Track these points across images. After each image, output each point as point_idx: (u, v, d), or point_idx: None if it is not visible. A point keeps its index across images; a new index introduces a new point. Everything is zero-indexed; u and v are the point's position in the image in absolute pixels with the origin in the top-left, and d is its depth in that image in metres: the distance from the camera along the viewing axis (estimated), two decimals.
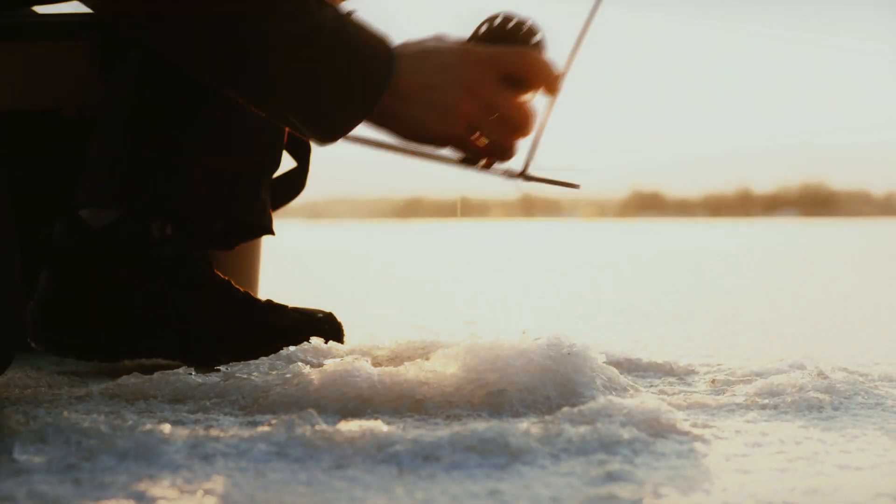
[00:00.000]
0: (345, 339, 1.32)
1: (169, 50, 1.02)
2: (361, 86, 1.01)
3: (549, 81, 1.06)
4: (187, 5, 0.97)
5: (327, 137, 1.03)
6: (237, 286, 1.27)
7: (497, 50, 1.05)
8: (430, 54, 1.04)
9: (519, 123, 1.06)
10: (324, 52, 0.99)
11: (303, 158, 1.46)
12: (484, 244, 7.99)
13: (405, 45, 1.04)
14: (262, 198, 1.28)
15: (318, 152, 1.46)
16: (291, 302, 1.32)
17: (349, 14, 1.03)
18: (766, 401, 1.04)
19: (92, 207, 1.22)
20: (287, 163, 1.42)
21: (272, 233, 1.32)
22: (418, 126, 1.04)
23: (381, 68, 1.01)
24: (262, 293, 1.53)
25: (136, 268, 1.21)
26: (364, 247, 7.21)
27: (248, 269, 1.49)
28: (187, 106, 1.23)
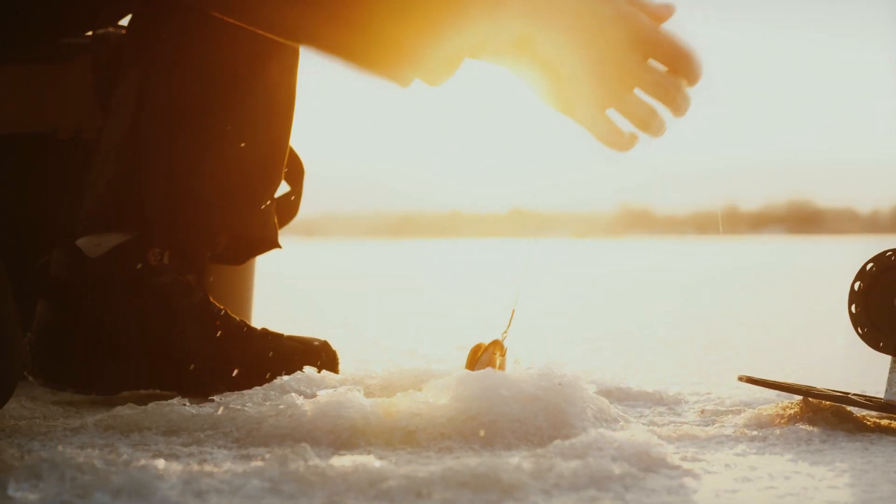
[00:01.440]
0: (339, 367, 1.33)
1: None
2: None
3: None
4: None
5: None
6: (233, 315, 1.28)
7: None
8: None
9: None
10: None
11: (296, 183, 1.47)
12: (474, 262, 8.00)
13: None
14: (264, 211, 1.29)
15: (310, 174, 1.47)
16: (286, 325, 1.33)
17: None
18: (755, 433, 1.05)
19: (89, 236, 1.23)
20: (281, 187, 1.43)
21: (278, 246, 1.33)
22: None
23: None
24: (256, 313, 1.54)
25: (134, 298, 1.22)
26: (357, 266, 7.21)
27: (242, 294, 1.50)
28: (186, 123, 1.24)
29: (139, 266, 1.22)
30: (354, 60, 0.97)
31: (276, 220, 1.33)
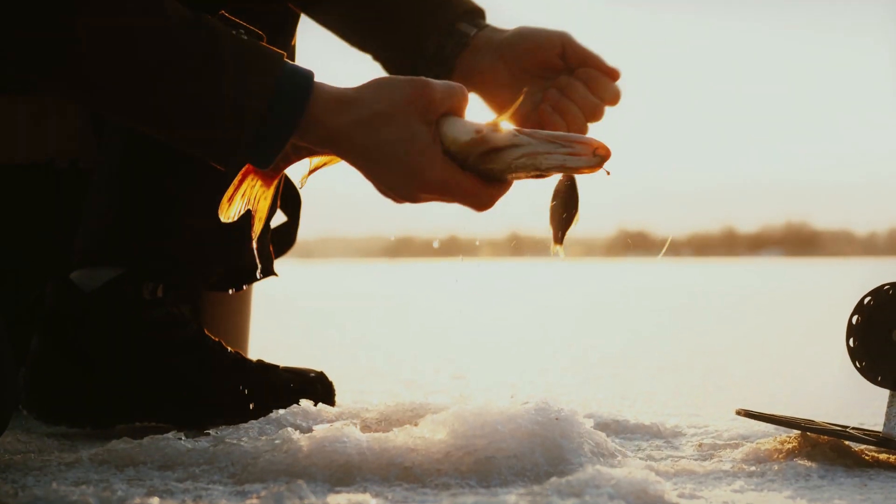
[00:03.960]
0: (335, 398, 1.32)
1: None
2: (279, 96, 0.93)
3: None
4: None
5: (262, 162, 0.97)
6: (228, 347, 1.27)
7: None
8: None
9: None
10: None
11: (293, 213, 1.47)
12: (473, 284, 7.99)
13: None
14: (258, 240, 1.28)
15: (308, 199, 1.47)
16: (283, 352, 1.32)
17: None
18: (753, 468, 1.05)
19: (83, 269, 1.23)
20: (278, 216, 1.43)
21: (274, 274, 1.33)
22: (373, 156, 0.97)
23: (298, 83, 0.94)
24: (254, 340, 1.53)
25: (128, 332, 1.22)
26: (355, 289, 7.21)
27: (239, 322, 1.50)
28: (176, 154, 1.23)
29: (133, 299, 1.21)
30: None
31: (271, 249, 1.33)
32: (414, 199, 1.01)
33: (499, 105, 1.22)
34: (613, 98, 1.17)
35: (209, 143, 0.96)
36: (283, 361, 1.32)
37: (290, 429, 1.06)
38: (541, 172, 0.99)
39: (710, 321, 3.88)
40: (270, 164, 0.98)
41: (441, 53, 1.22)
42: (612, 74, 1.17)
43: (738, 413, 1.14)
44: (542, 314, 4.29)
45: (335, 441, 1.00)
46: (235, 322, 1.48)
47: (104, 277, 1.22)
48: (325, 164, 1.05)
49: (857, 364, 1.12)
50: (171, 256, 1.24)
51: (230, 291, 1.37)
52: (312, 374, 1.32)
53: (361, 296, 5.97)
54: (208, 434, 1.10)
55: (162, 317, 1.23)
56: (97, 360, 1.21)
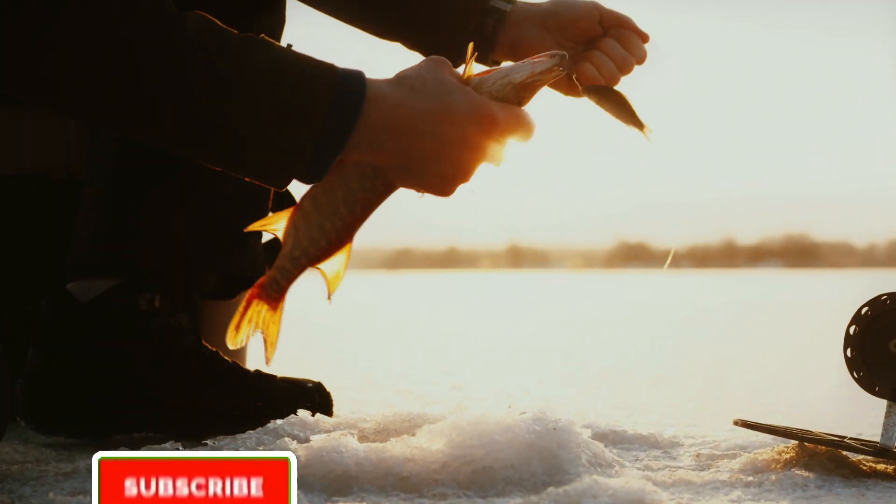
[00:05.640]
0: (333, 409, 1.32)
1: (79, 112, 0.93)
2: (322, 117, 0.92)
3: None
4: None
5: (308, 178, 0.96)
6: (225, 357, 1.27)
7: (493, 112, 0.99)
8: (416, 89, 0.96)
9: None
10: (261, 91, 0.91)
11: None
12: (472, 296, 8.00)
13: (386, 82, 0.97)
14: (250, 247, 1.29)
15: None
16: (280, 363, 1.32)
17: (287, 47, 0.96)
18: (751, 478, 1.05)
19: (79, 280, 1.23)
20: None
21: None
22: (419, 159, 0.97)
23: (352, 94, 0.93)
24: (251, 351, 1.53)
25: (125, 342, 1.22)
26: (353, 300, 7.21)
27: None
28: (169, 161, 1.23)
29: (130, 310, 1.21)
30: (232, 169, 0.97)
31: (263, 255, 1.32)
32: (470, 156, 0.98)
33: None
34: (642, 57, 1.26)
35: (265, 166, 0.95)
36: (280, 372, 1.32)
37: (287, 439, 1.06)
38: (519, 85, 1.01)
39: (709, 332, 3.88)
40: (325, 174, 0.96)
41: (483, 31, 1.27)
42: (643, 36, 1.27)
43: (736, 423, 1.14)
44: (540, 325, 4.29)
45: (332, 451, 1.00)
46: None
47: (100, 288, 1.22)
48: (337, 281, 1.06)
49: (855, 374, 1.13)
50: (165, 265, 1.24)
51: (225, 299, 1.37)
52: (310, 385, 1.32)
53: (359, 307, 5.97)
54: (205, 444, 1.10)
55: (159, 327, 1.23)
56: (94, 370, 1.21)
